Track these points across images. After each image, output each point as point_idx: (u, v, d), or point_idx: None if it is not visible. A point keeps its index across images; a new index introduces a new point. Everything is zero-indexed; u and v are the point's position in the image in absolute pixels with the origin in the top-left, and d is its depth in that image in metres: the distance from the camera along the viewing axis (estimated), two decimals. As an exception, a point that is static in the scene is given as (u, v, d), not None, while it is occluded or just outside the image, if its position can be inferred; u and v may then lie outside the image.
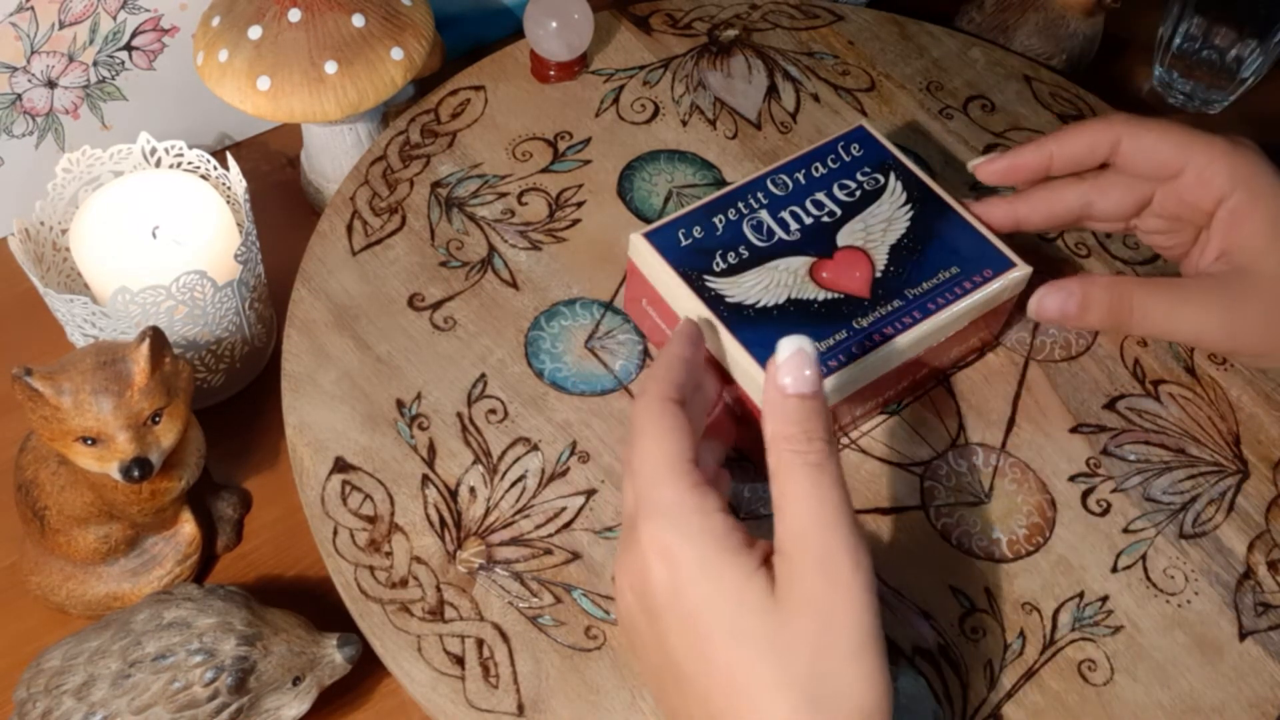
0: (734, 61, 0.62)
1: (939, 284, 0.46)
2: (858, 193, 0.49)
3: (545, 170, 0.57)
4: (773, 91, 0.61)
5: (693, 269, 0.46)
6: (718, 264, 0.46)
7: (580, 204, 0.56)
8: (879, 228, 0.48)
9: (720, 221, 0.48)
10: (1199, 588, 0.46)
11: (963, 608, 0.45)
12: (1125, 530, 0.47)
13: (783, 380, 0.35)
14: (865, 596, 0.33)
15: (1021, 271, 0.47)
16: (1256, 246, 0.45)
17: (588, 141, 0.58)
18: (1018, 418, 0.50)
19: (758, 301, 0.45)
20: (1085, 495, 0.48)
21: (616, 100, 0.60)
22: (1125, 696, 0.43)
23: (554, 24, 0.57)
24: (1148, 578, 0.46)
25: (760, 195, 0.49)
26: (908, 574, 0.45)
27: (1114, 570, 0.46)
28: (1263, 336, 0.45)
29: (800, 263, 0.47)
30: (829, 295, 0.46)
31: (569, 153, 0.58)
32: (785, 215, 0.48)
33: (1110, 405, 0.50)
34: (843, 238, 0.48)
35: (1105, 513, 0.47)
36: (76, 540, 0.49)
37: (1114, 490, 0.48)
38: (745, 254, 0.47)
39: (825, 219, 0.48)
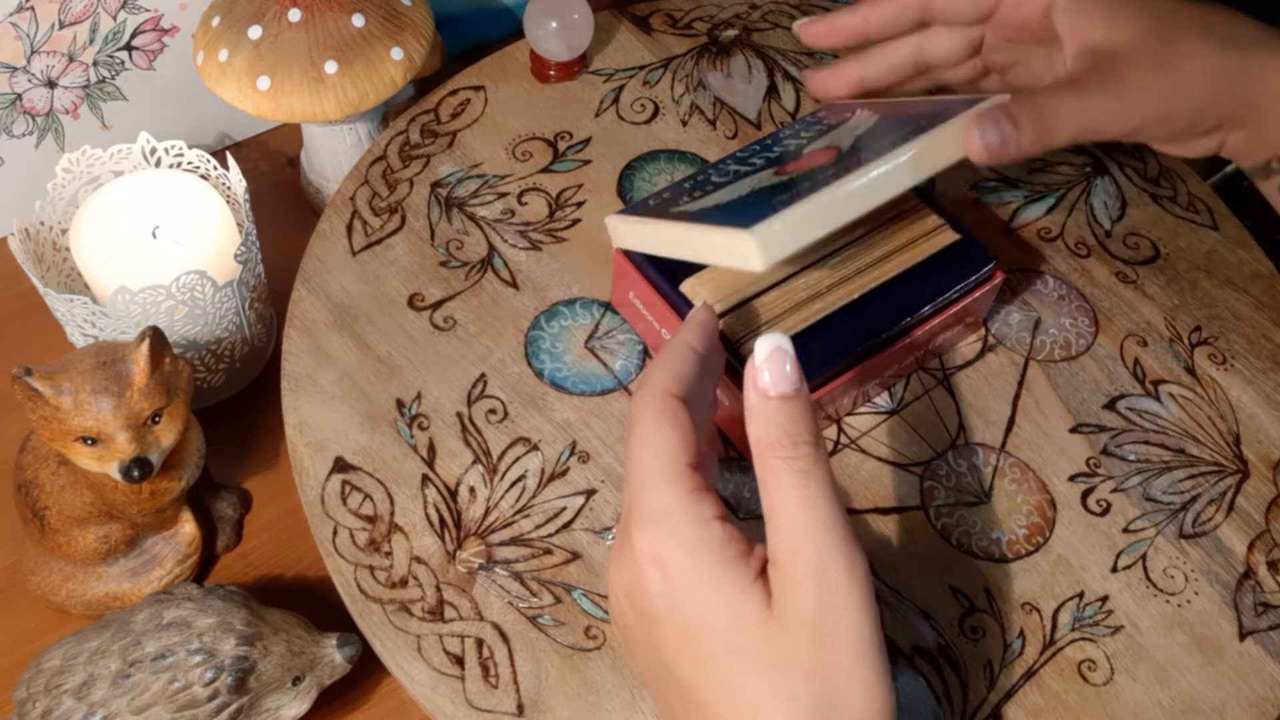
0: (734, 61, 0.62)
1: (909, 129, 0.44)
2: (824, 130, 0.49)
3: (545, 170, 0.57)
4: (773, 91, 0.61)
5: (663, 206, 0.47)
6: (685, 199, 0.47)
7: (580, 204, 0.56)
8: (846, 134, 0.47)
9: (688, 184, 0.49)
10: (1199, 588, 0.46)
11: (963, 608, 0.45)
12: (1125, 530, 0.47)
13: (762, 380, 0.35)
14: (862, 604, 0.32)
15: (996, 98, 0.45)
16: (1101, 29, 0.45)
17: (588, 141, 0.58)
18: (1018, 418, 0.50)
19: (724, 200, 0.45)
20: (1085, 495, 0.48)
21: (616, 100, 0.60)
22: (1125, 696, 0.43)
23: (554, 24, 0.57)
24: (1148, 578, 0.46)
25: (727, 163, 0.49)
26: (908, 574, 0.45)
27: (1114, 570, 0.46)
28: (1159, 97, 0.44)
29: (766, 173, 0.46)
30: (792, 175, 0.44)
31: (569, 153, 0.58)
32: (751, 160, 0.48)
33: (1110, 405, 0.50)
34: (809, 149, 0.47)
35: (1105, 513, 0.47)
36: (76, 540, 0.49)
37: (1114, 490, 0.48)
38: (710, 187, 0.47)
39: (791, 147, 0.48)
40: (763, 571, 0.33)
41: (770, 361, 0.35)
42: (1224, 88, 0.44)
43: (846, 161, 0.43)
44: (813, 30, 0.50)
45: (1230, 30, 0.45)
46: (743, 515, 0.46)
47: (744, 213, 0.41)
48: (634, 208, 0.48)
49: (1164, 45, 0.44)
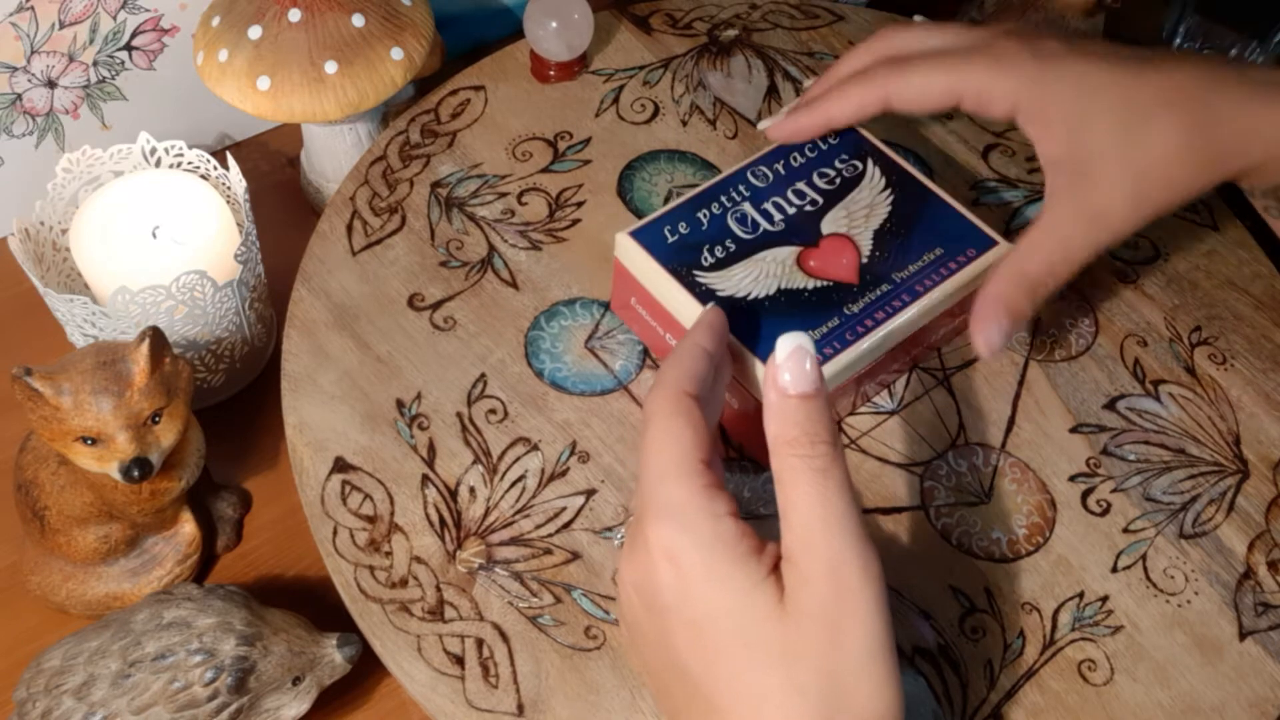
0: (734, 61, 0.62)
1: (925, 266, 0.47)
2: (837, 180, 0.49)
3: (545, 170, 0.57)
4: (773, 91, 0.61)
5: (682, 265, 0.46)
6: (706, 258, 0.46)
7: (580, 204, 0.56)
8: (861, 214, 0.48)
9: (705, 216, 0.48)
10: (1199, 588, 0.46)
11: (963, 608, 0.45)
12: (1125, 530, 0.47)
13: (783, 379, 0.35)
14: (875, 604, 0.33)
15: (1004, 248, 0.48)
16: (1066, 139, 0.45)
17: (588, 141, 0.58)
18: (1018, 418, 0.50)
19: (749, 294, 0.45)
20: (1085, 495, 0.48)
21: (616, 100, 0.60)
22: (1125, 696, 0.43)
23: (554, 24, 0.57)
24: (1148, 578, 0.46)
25: (742, 188, 0.49)
26: (908, 574, 0.45)
27: (1114, 570, 0.46)
28: (1140, 215, 0.44)
29: (787, 253, 0.47)
30: (818, 283, 0.46)
31: (569, 153, 0.58)
32: (768, 206, 0.48)
33: (1110, 405, 0.50)
34: (826, 225, 0.48)
35: (1105, 513, 0.47)
36: (76, 540, 0.49)
37: (1114, 490, 0.48)
38: (732, 247, 0.47)
39: (808, 208, 0.48)
40: (775, 568, 0.33)
41: (791, 360, 0.35)
42: (1202, 179, 0.44)
43: (869, 291, 0.46)
44: (779, 132, 0.50)
45: (1203, 98, 0.44)
46: (743, 515, 0.46)
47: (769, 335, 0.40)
48: (648, 234, 0.47)
49: (1133, 148, 0.44)
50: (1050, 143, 0.46)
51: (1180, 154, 0.44)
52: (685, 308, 0.45)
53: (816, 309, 0.45)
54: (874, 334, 0.45)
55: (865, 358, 0.45)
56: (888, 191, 0.49)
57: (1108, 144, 0.44)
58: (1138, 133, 0.44)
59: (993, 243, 0.48)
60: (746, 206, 0.48)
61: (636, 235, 0.47)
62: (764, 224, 0.48)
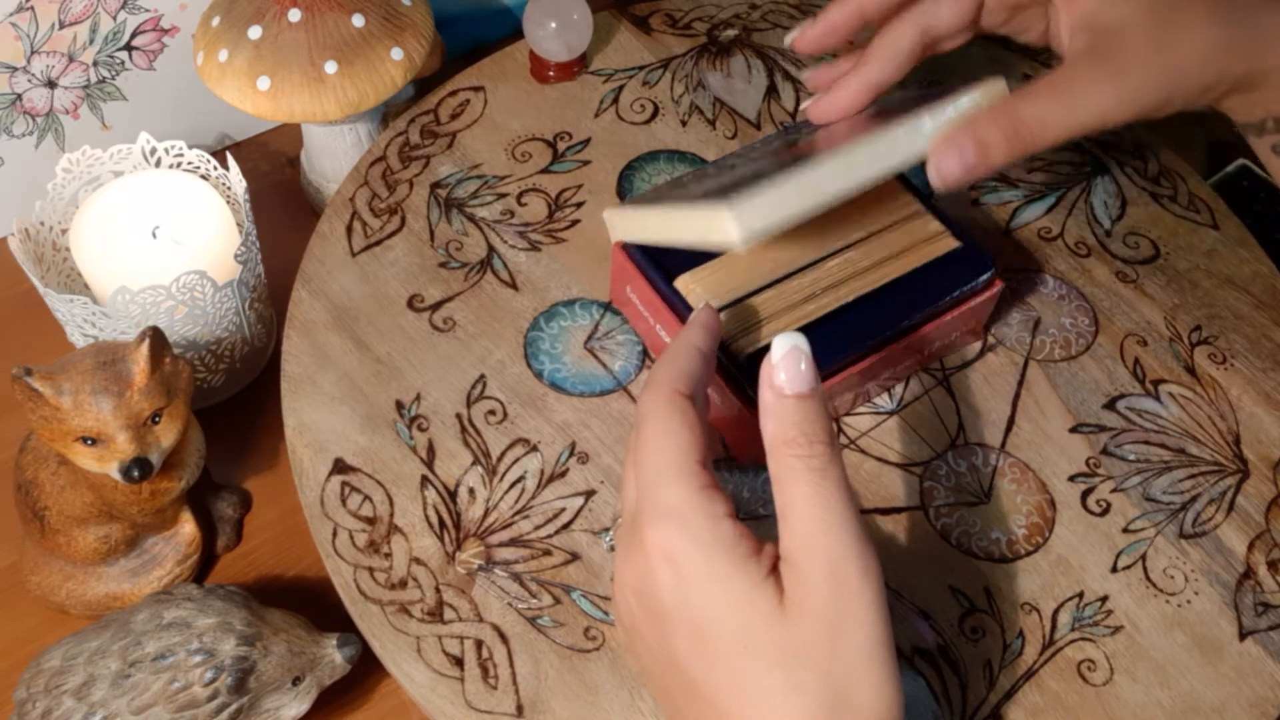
0: (734, 61, 0.62)
1: (919, 108, 0.44)
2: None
3: (545, 171, 0.57)
4: (772, 91, 0.61)
5: (656, 195, 0.47)
6: (681, 189, 0.47)
7: (580, 204, 0.56)
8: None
9: (687, 177, 0.49)
10: (1199, 588, 0.46)
11: (962, 608, 0.45)
12: (1125, 530, 0.47)
13: (779, 378, 0.35)
14: (875, 604, 0.33)
15: (995, 84, 0.45)
16: (1095, 11, 0.44)
17: (587, 142, 0.58)
18: (1018, 418, 0.50)
19: (715, 187, 0.44)
20: (1085, 495, 0.48)
21: (616, 100, 0.60)
22: (1125, 696, 0.43)
23: (554, 24, 0.57)
24: (1147, 578, 0.46)
25: (728, 158, 0.49)
26: (908, 574, 0.45)
27: (1114, 570, 0.46)
28: (1160, 83, 0.43)
29: (766, 161, 0.46)
30: (792, 157, 0.44)
31: (568, 153, 0.58)
32: (750, 153, 0.48)
33: (1110, 405, 0.50)
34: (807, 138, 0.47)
35: (1105, 513, 0.47)
36: (76, 540, 0.49)
37: (1114, 490, 0.48)
38: (707, 178, 0.47)
39: (792, 139, 0.48)
40: (774, 569, 0.33)
41: (786, 360, 0.35)
42: (1226, 61, 0.43)
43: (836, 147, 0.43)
44: (808, 37, 0.49)
45: None
46: (742, 516, 0.46)
47: (729, 192, 0.40)
48: (630, 199, 0.48)
49: (1164, 20, 0.43)
50: (1076, 10, 0.44)
51: (1208, 45, 0.43)
52: (663, 221, 0.44)
53: (777, 169, 0.42)
54: (826, 159, 0.41)
55: (818, 187, 0.41)
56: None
57: (1141, 16, 0.43)
58: (1171, 12, 0.43)
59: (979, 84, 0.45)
60: (731, 161, 0.49)
61: (624, 202, 0.48)
62: (742, 162, 0.48)
